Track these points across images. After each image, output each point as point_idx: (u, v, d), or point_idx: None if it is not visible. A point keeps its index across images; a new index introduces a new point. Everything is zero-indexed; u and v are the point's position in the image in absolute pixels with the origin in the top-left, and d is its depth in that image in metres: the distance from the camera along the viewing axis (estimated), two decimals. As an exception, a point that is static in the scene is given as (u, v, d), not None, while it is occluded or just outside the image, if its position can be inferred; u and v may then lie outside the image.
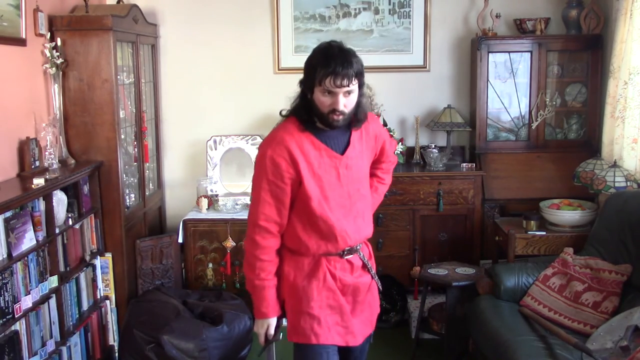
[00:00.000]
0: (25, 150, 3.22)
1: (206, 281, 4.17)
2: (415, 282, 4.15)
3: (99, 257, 3.63)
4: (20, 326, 2.73)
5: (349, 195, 2.27)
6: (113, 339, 3.75)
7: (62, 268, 3.20)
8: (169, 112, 4.66)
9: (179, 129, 4.67)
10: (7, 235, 2.70)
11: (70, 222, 3.32)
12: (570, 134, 4.42)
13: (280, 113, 2.32)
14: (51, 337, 3.04)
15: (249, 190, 4.38)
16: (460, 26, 4.53)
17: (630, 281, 3.03)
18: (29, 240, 2.86)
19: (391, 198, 4.10)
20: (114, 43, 3.60)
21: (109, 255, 3.71)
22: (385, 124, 4.37)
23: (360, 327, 2.37)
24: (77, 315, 3.37)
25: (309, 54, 2.21)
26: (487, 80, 4.30)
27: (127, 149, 4.00)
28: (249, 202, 4.29)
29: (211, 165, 4.52)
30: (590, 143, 4.28)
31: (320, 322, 2.25)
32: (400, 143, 4.37)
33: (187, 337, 3.32)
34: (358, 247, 2.35)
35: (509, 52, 4.32)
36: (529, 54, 4.27)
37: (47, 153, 3.34)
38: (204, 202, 4.28)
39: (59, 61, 3.49)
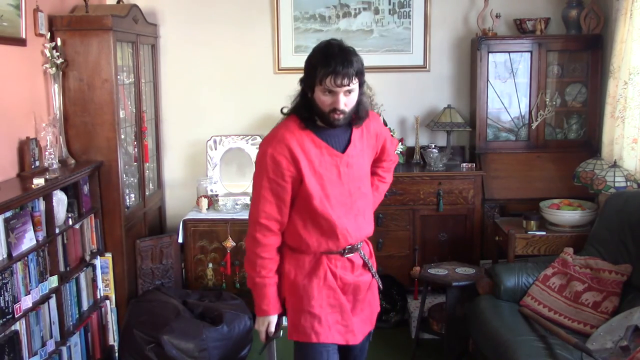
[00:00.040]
0: (25, 150, 3.22)
1: (206, 281, 4.17)
2: (415, 282, 4.15)
3: (99, 257, 3.63)
4: (20, 326, 2.73)
5: (350, 194, 2.27)
6: (113, 339, 3.75)
7: (62, 268, 3.20)
8: (169, 112, 4.66)
9: (179, 129, 4.67)
10: (7, 235, 2.70)
11: (70, 222, 3.32)
12: (570, 134, 4.42)
13: (282, 111, 2.32)
14: (51, 337, 3.04)
15: (249, 190, 4.44)
16: (460, 26, 4.53)
17: (630, 281, 3.03)
18: (29, 240, 2.86)
19: (391, 198, 4.10)
20: (114, 43, 3.60)
21: (109, 255, 3.71)
22: (385, 124, 4.37)
23: (360, 325, 2.38)
24: (77, 315, 3.37)
25: (309, 53, 2.20)
26: (487, 80, 4.30)
27: (127, 149, 4.00)
28: (249, 202, 4.30)
29: (211, 165, 4.52)
30: (590, 143, 4.28)
31: (320, 320, 2.25)
32: (400, 143, 4.37)
33: (187, 337, 3.32)
34: (359, 246, 2.35)
35: (509, 52, 4.32)
36: (529, 54, 4.27)
37: (47, 153, 3.34)
38: (204, 202, 4.28)
39: (59, 61, 3.49)
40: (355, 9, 4.51)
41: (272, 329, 2.30)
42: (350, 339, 2.33)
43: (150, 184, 4.47)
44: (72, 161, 3.58)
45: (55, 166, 3.35)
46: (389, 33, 4.53)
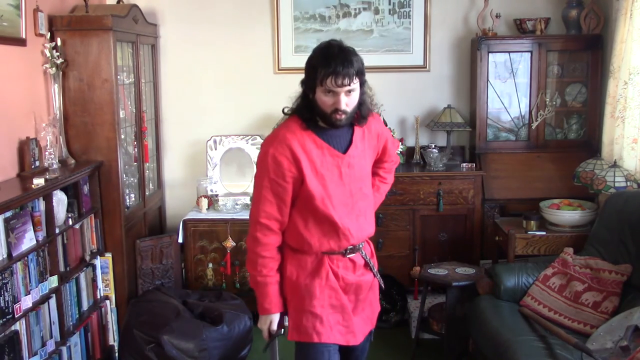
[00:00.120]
0: (25, 150, 3.22)
1: (206, 281, 4.17)
2: (415, 282, 4.15)
3: (99, 257, 3.63)
4: (20, 326, 2.73)
5: (351, 194, 2.28)
6: (113, 339, 3.75)
7: (62, 268, 3.20)
8: (169, 112, 4.66)
9: (179, 129, 4.67)
10: (7, 235, 2.70)
11: (70, 222, 3.32)
12: (570, 134, 4.43)
13: (283, 111, 2.32)
14: (51, 337, 3.04)
15: (249, 190, 4.45)
16: (460, 26, 4.53)
17: (630, 281, 3.03)
18: (29, 240, 2.86)
19: (391, 198, 4.10)
20: (114, 43, 3.60)
21: (109, 255, 3.71)
22: (385, 124, 4.36)
23: (361, 325, 2.39)
24: (77, 315, 3.37)
25: (309, 54, 2.21)
26: (487, 80, 4.30)
27: (127, 149, 4.00)
28: (249, 202, 4.32)
29: (211, 165, 4.52)
30: (590, 143, 4.28)
31: (322, 320, 2.26)
32: (400, 143, 4.37)
33: (187, 337, 3.32)
34: (360, 246, 2.36)
35: (509, 52, 4.32)
36: (529, 54, 4.27)
37: (47, 153, 3.34)
38: (204, 202, 4.28)
39: (59, 61, 3.49)
40: (355, 9, 4.51)
41: (275, 327, 2.32)
42: (351, 339, 2.33)
43: (150, 184, 4.47)
44: (72, 161, 3.58)
45: (55, 166, 3.35)
46: (389, 33, 4.53)
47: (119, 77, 3.72)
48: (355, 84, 2.15)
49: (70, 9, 3.80)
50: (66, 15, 3.63)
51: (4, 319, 2.63)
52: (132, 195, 4.08)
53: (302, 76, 2.23)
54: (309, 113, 2.20)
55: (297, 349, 2.33)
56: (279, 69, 4.57)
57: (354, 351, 2.45)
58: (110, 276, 3.72)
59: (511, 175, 4.26)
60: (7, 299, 2.65)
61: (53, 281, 3.07)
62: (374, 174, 2.51)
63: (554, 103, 4.31)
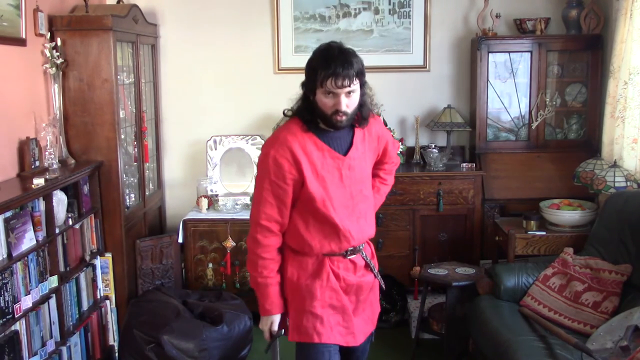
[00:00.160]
0: (25, 150, 3.22)
1: (206, 281, 4.17)
2: (415, 282, 4.15)
3: (99, 257, 3.63)
4: (20, 326, 2.73)
5: (352, 196, 2.28)
6: (113, 339, 3.75)
7: (62, 268, 3.20)
8: (169, 112, 4.66)
9: (179, 129, 4.67)
10: (7, 235, 2.70)
11: (70, 222, 3.32)
12: (570, 134, 4.43)
13: (284, 113, 2.32)
14: (51, 337, 3.04)
15: (249, 190, 4.45)
16: (460, 26, 4.53)
17: (630, 281, 3.03)
18: (29, 240, 2.86)
19: (391, 198, 4.09)
20: (114, 43, 3.60)
21: (109, 255, 3.71)
22: (385, 124, 4.37)
23: (362, 326, 2.39)
24: (77, 315, 3.37)
25: (309, 54, 2.22)
26: (487, 80, 4.30)
27: (127, 149, 4.00)
28: (249, 202, 4.32)
29: (211, 165, 4.52)
30: (590, 143, 4.28)
31: (322, 321, 2.26)
32: (400, 143, 4.37)
33: (187, 337, 3.32)
34: (361, 247, 2.36)
35: (509, 52, 4.32)
36: (529, 54, 4.27)
37: (47, 153, 3.34)
38: (204, 202, 4.28)
39: (59, 61, 3.49)
40: (355, 9, 4.51)
41: (276, 327, 2.32)
42: (351, 340, 2.34)
43: (150, 184, 4.46)
44: (72, 161, 3.58)
45: (55, 166, 3.35)
46: (389, 33, 4.53)
47: (119, 77, 3.72)
48: (356, 85, 2.15)
49: (70, 9, 3.80)
50: (66, 15, 3.63)
51: (4, 319, 2.63)
52: (132, 195, 4.08)
53: (302, 76, 2.24)
54: (309, 115, 2.21)
55: (298, 350, 2.33)
56: (279, 69, 4.57)
57: (355, 352, 2.45)
58: (110, 276, 3.72)
59: (511, 175, 4.26)
60: (7, 299, 2.65)
61: (53, 281, 3.07)
62: (374, 175, 2.51)
63: (554, 103, 4.31)
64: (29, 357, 2.81)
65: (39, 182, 2.91)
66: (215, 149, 4.51)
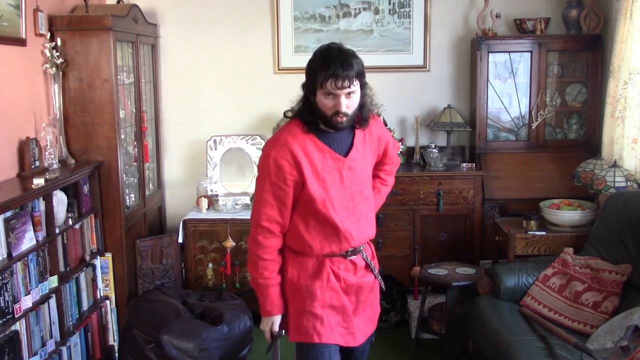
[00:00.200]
0: (25, 150, 3.22)
1: (206, 281, 4.17)
2: (415, 282, 4.15)
3: (99, 257, 3.63)
4: (20, 326, 2.73)
5: (352, 197, 2.28)
6: (113, 339, 3.75)
7: (62, 268, 3.20)
8: (169, 112, 4.66)
9: (179, 129, 4.67)
10: (7, 235, 2.70)
11: (70, 222, 3.32)
12: (570, 134, 4.43)
13: (285, 114, 2.32)
14: (51, 337, 3.04)
15: (249, 190, 4.45)
16: (460, 26, 4.53)
17: (630, 281, 3.03)
18: (29, 240, 2.86)
19: (391, 198, 4.08)
20: (114, 43, 3.60)
21: (109, 255, 3.71)
22: (385, 124, 4.37)
23: (362, 326, 2.39)
24: (77, 315, 3.37)
25: (309, 54, 2.22)
26: (487, 80, 4.30)
27: (127, 149, 4.00)
28: (249, 202, 4.32)
29: (211, 165, 4.52)
30: (590, 143, 4.28)
31: (323, 321, 2.27)
32: (400, 143, 4.37)
33: (187, 337, 3.32)
34: (361, 248, 2.37)
35: (509, 52, 4.32)
36: (529, 54, 4.27)
37: (47, 153, 3.34)
38: (204, 202, 4.28)
39: (59, 61, 3.49)
40: (355, 9, 4.51)
41: (276, 328, 2.33)
42: (350, 341, 2.34)
43: (150, 184, 4.47)
44: (72, 161, 3.58)
45: (55, 166, 3.35)
46: (389, 33, 4.53)
47: (119, 77, 3.72)
48: (356, 86, 2.15)
49: (70, 9, 3.80)
50: (66, 15, 3.63)
51: (4, 319, 2.63)
52: (132, 195, 4.08)
53: (302, 76, 2.24)
54: (310, 116, 2.21)
55: (298, 350, 2.34)
56: (279, 69, 4.57)
57: (355, 352, 2.45)
58: (110, 276, 3.72)
59: (511, 175, 4.26)
60: (7, 299, 2.65)
61: (53, 281, 3.07)
62: (375, 176, 2.51)
63: (554, 103, 4.31)
64: (29, 357, 2.81)
65: (39, 182, 2.91)
66: (215, 149, 4.51)
